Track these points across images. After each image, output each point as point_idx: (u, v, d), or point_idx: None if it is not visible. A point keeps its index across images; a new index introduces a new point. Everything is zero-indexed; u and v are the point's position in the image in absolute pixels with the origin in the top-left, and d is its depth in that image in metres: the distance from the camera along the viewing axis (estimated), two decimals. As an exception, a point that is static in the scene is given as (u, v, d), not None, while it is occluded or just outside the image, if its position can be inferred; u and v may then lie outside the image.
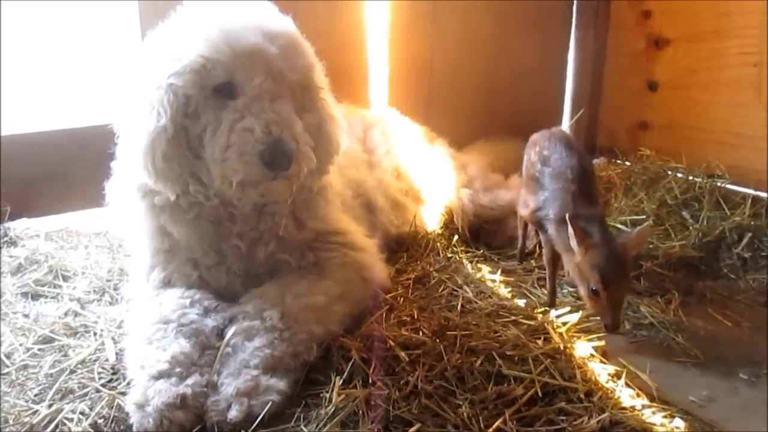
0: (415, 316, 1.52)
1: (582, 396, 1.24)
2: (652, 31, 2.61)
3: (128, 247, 1.83)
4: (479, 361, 1.31)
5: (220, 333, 1.33)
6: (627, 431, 1.16)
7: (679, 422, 1.19)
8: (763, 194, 2.15)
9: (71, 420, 1.14)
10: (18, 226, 1.99)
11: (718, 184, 2.18)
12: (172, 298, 1.38)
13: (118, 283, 1.69)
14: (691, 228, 2.01)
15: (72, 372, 1.29)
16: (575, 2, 2.83)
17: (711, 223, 2.02)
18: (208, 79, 1.30)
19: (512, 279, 1.80)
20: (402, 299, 1.63)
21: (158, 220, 1.44)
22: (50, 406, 1.18)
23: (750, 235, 1.95)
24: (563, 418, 1.19)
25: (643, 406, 1.23)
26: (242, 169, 1.28)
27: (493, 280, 1.78)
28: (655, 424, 1.18)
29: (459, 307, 1.58)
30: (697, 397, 1.29)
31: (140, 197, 1.45)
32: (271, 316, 1.31)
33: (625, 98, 2.77)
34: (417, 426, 1.13)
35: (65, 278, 1.72)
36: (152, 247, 1.50)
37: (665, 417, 1.20)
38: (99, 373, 1.29)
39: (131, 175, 1.44)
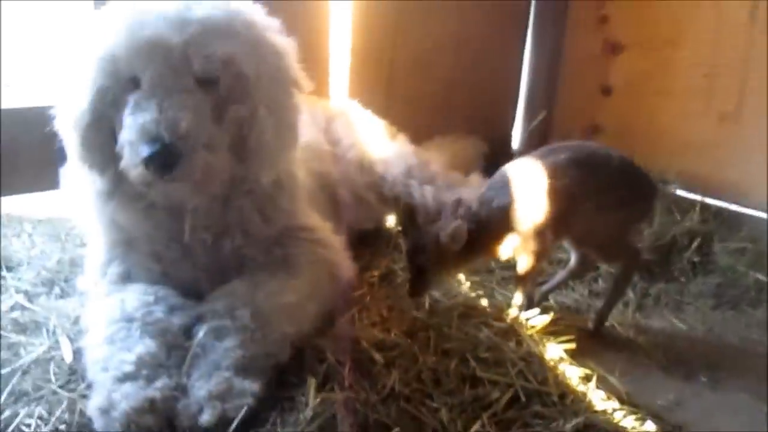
0: (385, 315, 1.50)
1: (555, 399, 1.25)
2: (609, 36, 2.66)
3: (81, 235, 1.74)
4: (454, 364, 1.30)
5: (188, 332, 1.26)
6: (601, 434, 1.18)
7: (650, 425, 1.22)
8: (711, 201, 2.23)
9: (29, 426, 1.06)
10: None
11: (671, 190, 2.25)
12: (135, 295, 1.30)
13: (69, 275, 1.59)
14: (644, 232, 2.07)
15: (25, 372, 1.20)
16: (533, 3, 2.86)
17: (663, 228, 2.08)
18: (117, 72, 1.24)
19: (477, 279, 1.80)
20: (369, 297, 1.60)
21: (108, 209, 1.36)
22: (3, 410, 1.09)
23: (699, 240, 2.02)
24: (539, 421, 1.19)
25: (614, 410, 1.25)
26: (130, 169, 1.22)
27: (459, 280, 1.77)
28: (627, 428, 1.20)
29: (427, 305, 1.57)
30: (665, 400, 1.32)
31: (89, 183, 1.38)
32: (242, 315, 1.25)
33: (580, 101, 2.82)
34: (396, 430, 1.11)
35: (9, 269, 1.60)
36: (109, 238, 1.42)
37: (636, 420, 1.23)
38: (55, 373, 1.21)
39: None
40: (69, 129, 1.31)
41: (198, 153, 1.21)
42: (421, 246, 1.48)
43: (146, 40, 1.20)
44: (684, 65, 2.41)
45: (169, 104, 1.19)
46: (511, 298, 1.66)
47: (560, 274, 1.71)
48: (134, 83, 1.24)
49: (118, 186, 1.32)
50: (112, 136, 1.28)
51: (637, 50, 2.58)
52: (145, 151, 1.16)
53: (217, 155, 1.26)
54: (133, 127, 1.19)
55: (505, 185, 1.50)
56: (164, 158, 1.17)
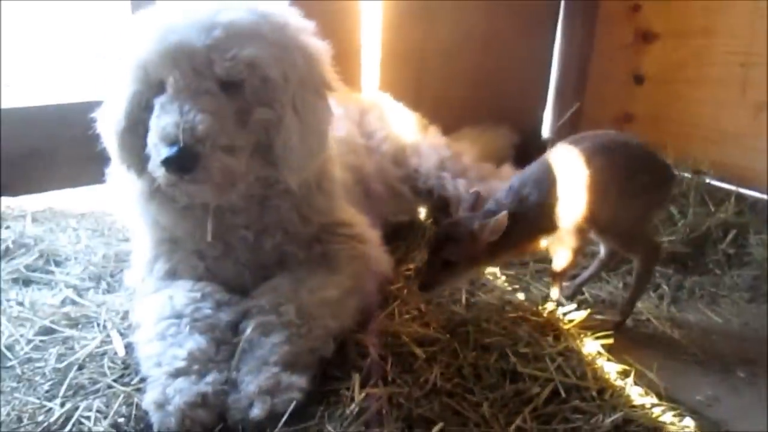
0: (423, 310, 1.52)
1: (594, 394, 1.26)
2: (641, 25, 2.64)
3: (122, 230, 1.79)
4: (494, 359, 1.32)
5: (234, 327, 1.30)
6: (640, 430, 1.19)
7: (689, 422, 1.23)
8: (745, 191, 2.21)
9: (88, 418, 1.10)
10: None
11: (706, 180, 2.24)
12: (182, 291, 1.34)
13: (114, 270, 1.64)
14: (678, 224, 2.06)
15: (81, 367, 1.25)
16: (564, -7, 2.84)
17: (697, 219, 2.07)
18: (147, 77, 1.28)
19: (511, 272, 1.82)
20: (406, 291, 1.63)
21: (151, 209, 1.41)
22: (63, 404, 1.14)
23: (735, 231, 2.01)
24: (578, 416, 1.21)
25: (653, 405, 1.27)
26: (155, 171, 1.25)
27: (494, 273, 1.79)
28: (665, 424, 1.22)
29: (464, 300, 1.59)
30: (702, 396, 1.33)
31: (132, 184, 1.42)
32: (287, 311, 1.29)
33: (611, 90, 2.80)
34: (440, 425, 1.14)
35: (57, 263, 1.65)
36: (154, 237, 1.47)
37: (675, 416, 1.24)
38: (109, 367, 1.25)
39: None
40: (108, 133, 1.36)
41: (216, 155, 1.22)
42: (454, 237, 1.44)
43: (172, 45, 1.23)
44: (718, 54, 2.38)
45: (189, 107, 1.21)
46: (546, 292, 1.68)
47: (592, 267, 1.72)
48: (161, 87, 1.27)
49: (155, 187, 1.36)
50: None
51: (671, 39, 2.55)
52: (163, 153, 1.19)
53: (238, 157, 1.27)
54: (155, 130, 1.23)
55: (540, 181, 1.50)
56: (182, 160, 1.19)
